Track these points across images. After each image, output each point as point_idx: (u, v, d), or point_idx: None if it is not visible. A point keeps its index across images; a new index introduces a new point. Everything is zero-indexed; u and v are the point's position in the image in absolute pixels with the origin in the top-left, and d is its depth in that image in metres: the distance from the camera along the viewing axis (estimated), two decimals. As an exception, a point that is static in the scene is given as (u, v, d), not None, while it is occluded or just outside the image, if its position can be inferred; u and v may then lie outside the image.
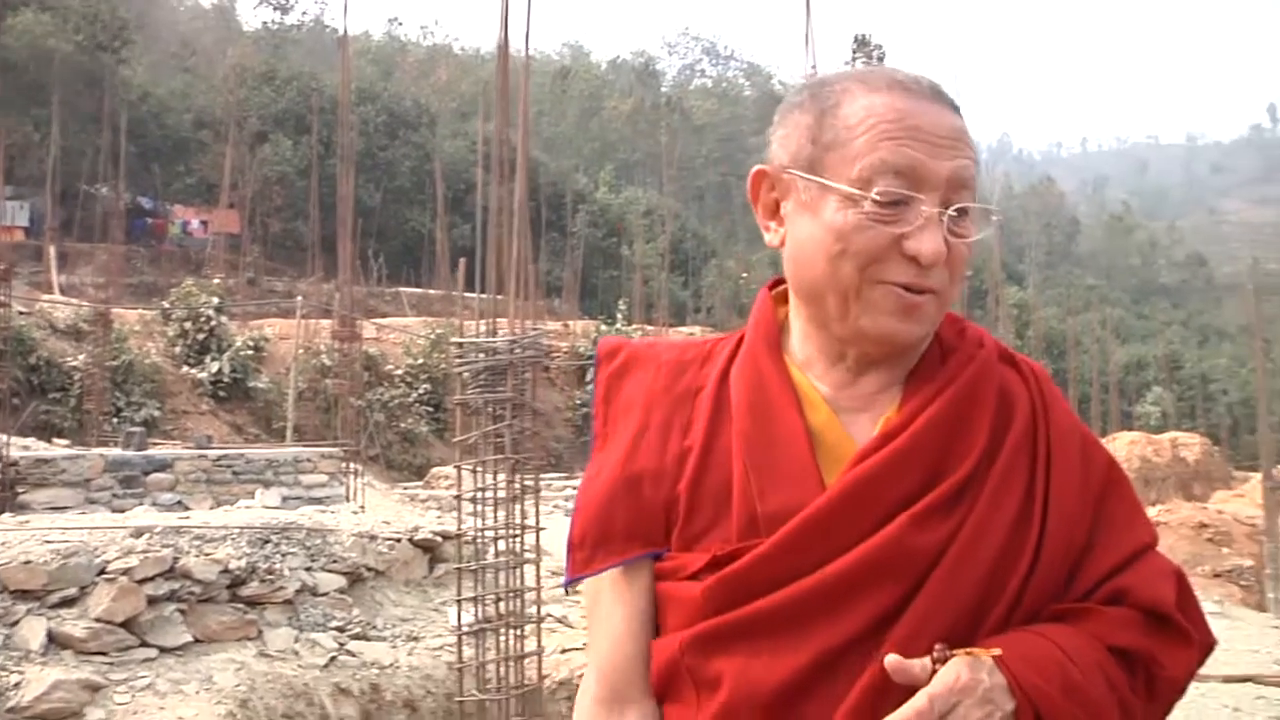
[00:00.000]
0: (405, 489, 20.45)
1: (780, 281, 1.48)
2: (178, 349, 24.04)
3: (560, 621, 8.99)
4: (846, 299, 1.32)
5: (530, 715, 5.58)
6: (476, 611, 5.50)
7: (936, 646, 1.23)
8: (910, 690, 1.22)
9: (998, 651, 1.23)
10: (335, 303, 17.21)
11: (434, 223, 43.87)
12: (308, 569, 8.46)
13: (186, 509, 11.91)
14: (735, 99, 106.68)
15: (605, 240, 56.39)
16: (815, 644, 1.28)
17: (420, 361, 26.55)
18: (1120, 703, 1.27)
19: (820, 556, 1.28)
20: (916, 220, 1.29)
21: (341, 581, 8.62)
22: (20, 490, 12.57)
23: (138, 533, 7.99)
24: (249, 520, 9.02)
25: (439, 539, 9.52)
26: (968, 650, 1.23)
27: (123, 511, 11.32)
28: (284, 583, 8.10)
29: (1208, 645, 1.38)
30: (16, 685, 6.39)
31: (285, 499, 13.23)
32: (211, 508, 12.05)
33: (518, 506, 5.46)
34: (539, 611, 5.90)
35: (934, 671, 1.22)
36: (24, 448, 14.25)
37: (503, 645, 5.47)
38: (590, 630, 1.48)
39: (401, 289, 42.35)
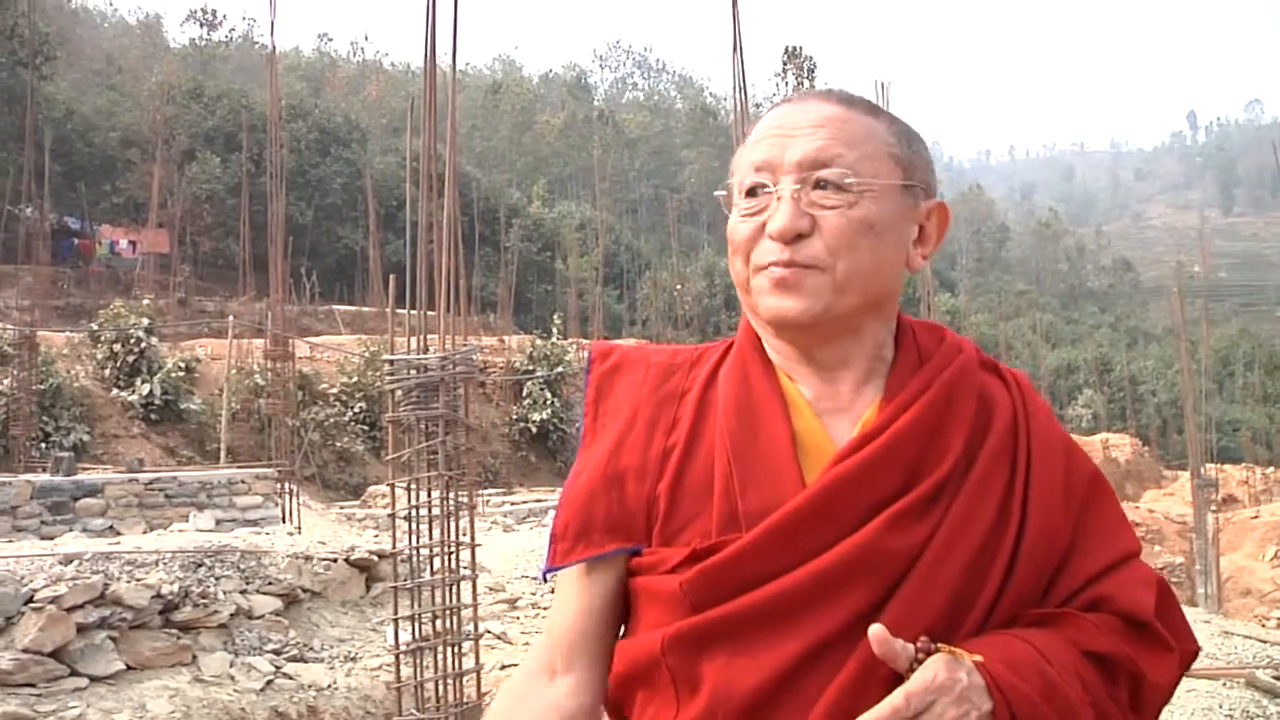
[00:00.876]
0: (342, 508, 20.26)
1: None
2: (107, 371, 23.58)
3: (499, 638, 8.95)
4: (747, 291, 1.41)
5: (470, 733, 5.55)
6: (414, 630, 5.45)
7: (922, 638, 1.25)
8: (888, 686, 1.23)
9: (979, 658, 1.25)
10: (268, 322, 16.99)
11: (366, 240, 43.51)
12: (242, 592, 8.36)
13: (118, 534, 11.72)
14: (667, 112, 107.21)
15: (539, 255, 56.31)
16: (794, 643, 1.29)
17: (355, 380, 26.30)
18: (1094, 706, 1.29)
19: (798, 555, 1.30)
20: (773, 204, 1.37)
21: (277, 604, 8.51)
22: (-56, 519, 12.29)
23: (67, 560, 7.85)
24: (181, 544, 8.89)
25: (375, 558, 9.45)
26: (950, 649, 1.25)
27: (51, 539, 11.11)
28: (218, 606, 7.99)
29: (1190, 653, 1.41)
30: (-59, 719, 6.24)
31: (220, 522, 13.07)
32: (144, 532, 11.86)
33: (453, 523, 5.42)
34: (477, 628, 5.87)
35: (917, 661, 1.23)
36: (-52, 475, 13.93)
37: (441, 663, 5.43)
38: (550, 613, 1.53)
39: (335, 307, 41.94)
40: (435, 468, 5.38)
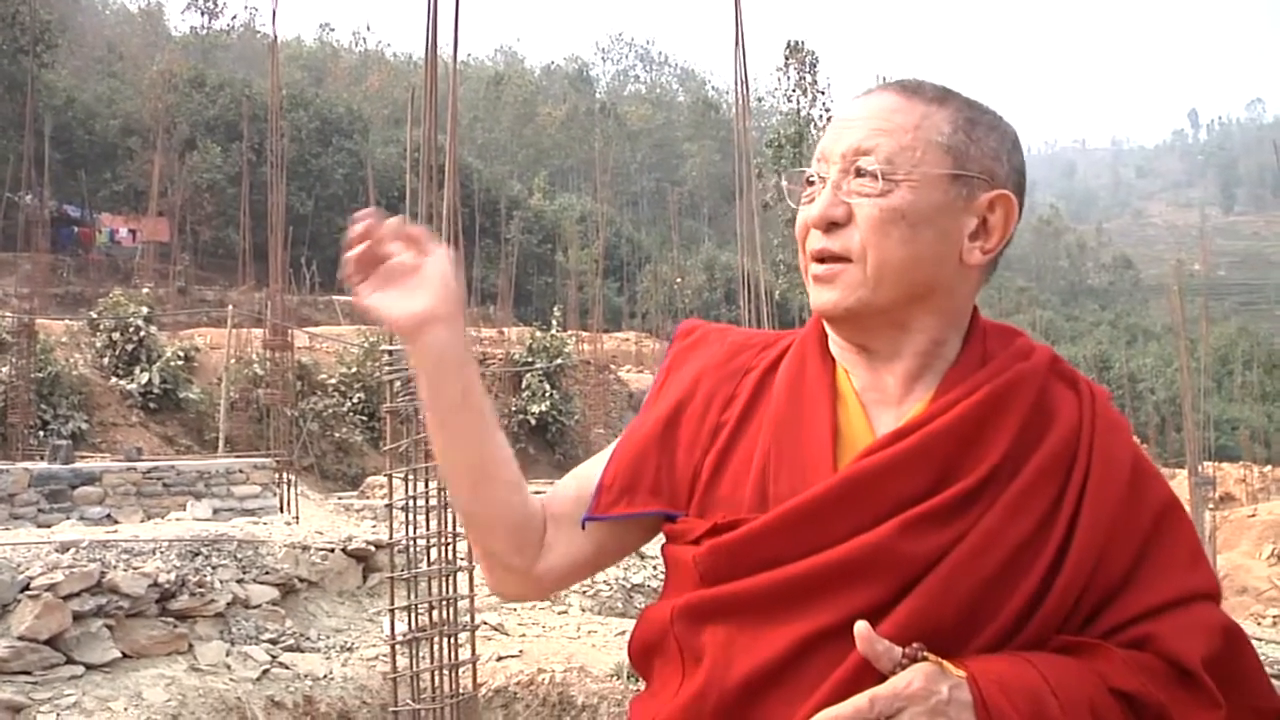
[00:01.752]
0: (340, 499, 20.23)
1: None
2: (106, 360, 23.56)
3: (496, 629, 8.95)
4: (807, 282, 1.41)
5: (466, 724, 5.55)
6: (410, 620, 5.45)
7: (913, 645, 1.21)
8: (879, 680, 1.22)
9: (965, 674, 1.21)
10: (267, 311, 16.99)
11: (367, 231, 43.36)
12: (239, 581, 8.36)
13: (115, 523, 11.71)
14: (669, 105, 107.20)
15: (540, 247, 56.27)
16: (794, 631, 1.28)
17: (354, 370, 26.26)
18: None
19: (811, 543, 1.29)
20: (820, 194, 1.37)
21: (274, 593, 8.52)
22: (-59, 506, 12.28)
23: (63, 547, 7.85)
24: (179, 533, 8.89)
25: (372, 548, 9.45)
26: (938, 660, 1.21)
27: (49, 526, 11.11)
28: (215, 595, 7.99)
29: (1262, 710, 1.30)
30: (-63, 706, 6.25)
31: (217, 511, 13.04)
32: (141, 521, 11.86)
33: (450, 514, 5.41)
34: (473, 619, 5.86)
35: (901, 666, 1.21)
36: (-55, 462, 13.92)
37: (437, 654, 5.43)
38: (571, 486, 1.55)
39: (334, 297, 41.84)
40: (433, 458, 5.37)
